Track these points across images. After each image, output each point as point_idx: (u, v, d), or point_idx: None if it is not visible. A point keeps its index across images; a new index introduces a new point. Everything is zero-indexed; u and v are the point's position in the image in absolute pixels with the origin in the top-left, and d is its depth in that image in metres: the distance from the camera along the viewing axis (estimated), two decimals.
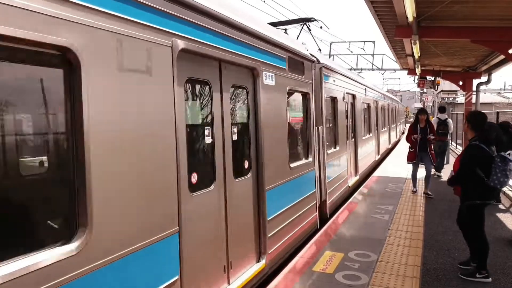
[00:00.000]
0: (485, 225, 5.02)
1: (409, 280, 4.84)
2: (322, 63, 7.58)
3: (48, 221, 2.46)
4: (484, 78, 17.65)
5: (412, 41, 10.24)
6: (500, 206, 8.66)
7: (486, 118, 5.20)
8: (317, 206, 7.12)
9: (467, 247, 5.23)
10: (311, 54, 7.09)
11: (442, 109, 12.84)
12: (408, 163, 9.81)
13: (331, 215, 7.94)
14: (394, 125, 25.64)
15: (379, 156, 16.24)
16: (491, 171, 4.78)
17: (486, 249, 4.93)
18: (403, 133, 35.21)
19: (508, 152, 5.03)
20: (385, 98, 20.14)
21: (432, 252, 5.89)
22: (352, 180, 10.43)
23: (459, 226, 5.28)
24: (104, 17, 2.56)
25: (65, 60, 2.37)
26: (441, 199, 9.02)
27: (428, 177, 9.53)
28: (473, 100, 17.74)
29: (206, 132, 3.88)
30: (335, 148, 8.65)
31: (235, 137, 4.37)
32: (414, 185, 9.91)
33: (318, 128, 7.23)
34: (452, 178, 5.13)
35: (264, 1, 15.24)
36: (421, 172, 9.73)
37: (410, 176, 9.95)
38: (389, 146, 20.81)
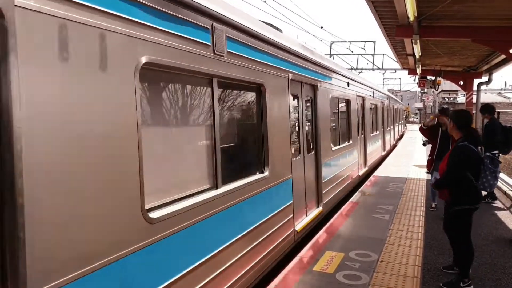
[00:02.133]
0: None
1: (409, 280, 4.83)
2: None
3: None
4: (484, 78, 17.61)
5: (413, 41, 10.22)
6: (501, 205, 8.66)
7: (471, 117, 4.86)
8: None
9: None
10: None
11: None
12: (427, 173, 8.52)
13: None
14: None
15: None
16: (481, 173, 4.48)
17: (470, 256, 4.70)
18: (401, 137, 33.25)
19: (494, 152, 4.91)
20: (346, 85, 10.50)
21: (432, 251, 5.89)
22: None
23: (445, 231, 5.01)
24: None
25: None
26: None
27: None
28: (474, 100, 17.71)
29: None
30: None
31: None
32: (433, 199, 8.36)
33: None
34: (440, 181, 4.76)
35: (264, 1, 15.24)
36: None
37: (410, 176, 9.87)
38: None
